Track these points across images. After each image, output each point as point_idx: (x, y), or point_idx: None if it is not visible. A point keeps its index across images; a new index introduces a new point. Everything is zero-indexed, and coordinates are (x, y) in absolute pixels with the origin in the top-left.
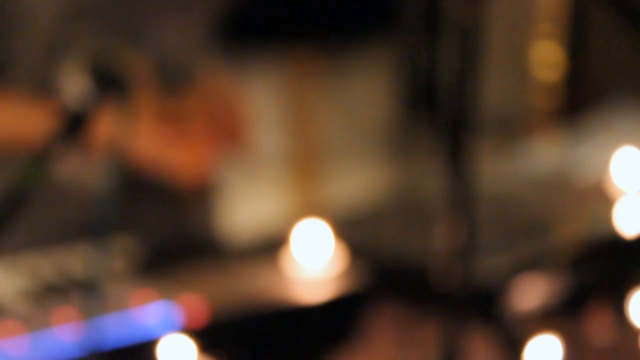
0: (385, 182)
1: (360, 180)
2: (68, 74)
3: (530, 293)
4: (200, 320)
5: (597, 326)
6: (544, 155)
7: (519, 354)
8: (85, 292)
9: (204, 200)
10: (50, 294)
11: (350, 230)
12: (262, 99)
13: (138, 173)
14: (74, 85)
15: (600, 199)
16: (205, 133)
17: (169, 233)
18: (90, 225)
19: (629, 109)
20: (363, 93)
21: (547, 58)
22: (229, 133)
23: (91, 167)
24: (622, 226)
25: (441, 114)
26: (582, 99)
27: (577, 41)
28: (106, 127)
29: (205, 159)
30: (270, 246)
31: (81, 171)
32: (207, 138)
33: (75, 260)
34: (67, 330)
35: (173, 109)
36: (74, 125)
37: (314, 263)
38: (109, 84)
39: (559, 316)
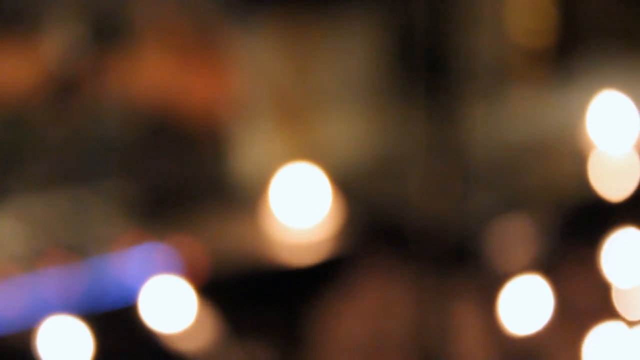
0: (375, 135)
1: (350, 132)
2: (62, 20)
3: (510, 239)
4: (200, 265)
5: (573, 274)
6: (528, 101)
7: (498, 300)
8: (82, 235)
9: (210, 145)
10: (48, 236)
11: (341, 180)
12: (257, 52)
13: (148, 115)
14: (69, 31)
15: (580, 144)
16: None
17: (172, 178)
18: (89, 169)
19: (616, 54)
20: (353, 45)
21: (534, 3)
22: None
23: (91, 111)
24: (600, 172)
25: (426, 62)
26: (569, 45)
27: None
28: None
29: (212, 98)
30: (262, 193)
31: (80, 115)
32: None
33: (73, 204)
34: (63, 271)
35: (185, 48)
36: (68, 76)
37: (305, 210)
38: (108, 29)
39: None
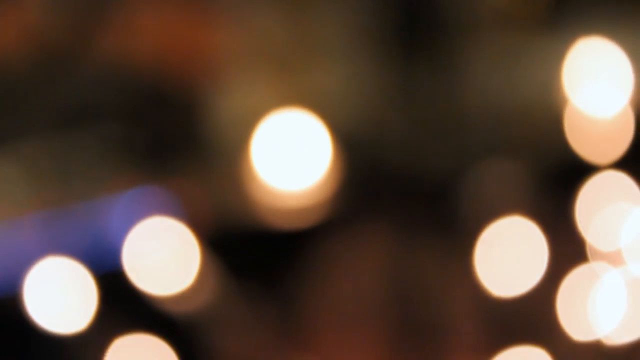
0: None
1: (342, 82)
2: None
3: (484, 183)
4: (199, 210)
5: (548, 218)
6: (516, 48)
7: (474, 244)
8: (79, 179)
9: (200, 96)
10: (46, 179)
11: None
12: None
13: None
14: None
15: (565, 96)
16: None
17: (169, 125)
18: (85, 114)
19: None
20: None
21: None
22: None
23: (86, 59)
24: (575, 120)
25: (418, 11)
26: None
27: None
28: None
29: (207, 49)
30: (257, 143)
31: (76, 64)
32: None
33: (70, 148)
34: (59, 215)
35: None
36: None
37: (300, 159)
38: None
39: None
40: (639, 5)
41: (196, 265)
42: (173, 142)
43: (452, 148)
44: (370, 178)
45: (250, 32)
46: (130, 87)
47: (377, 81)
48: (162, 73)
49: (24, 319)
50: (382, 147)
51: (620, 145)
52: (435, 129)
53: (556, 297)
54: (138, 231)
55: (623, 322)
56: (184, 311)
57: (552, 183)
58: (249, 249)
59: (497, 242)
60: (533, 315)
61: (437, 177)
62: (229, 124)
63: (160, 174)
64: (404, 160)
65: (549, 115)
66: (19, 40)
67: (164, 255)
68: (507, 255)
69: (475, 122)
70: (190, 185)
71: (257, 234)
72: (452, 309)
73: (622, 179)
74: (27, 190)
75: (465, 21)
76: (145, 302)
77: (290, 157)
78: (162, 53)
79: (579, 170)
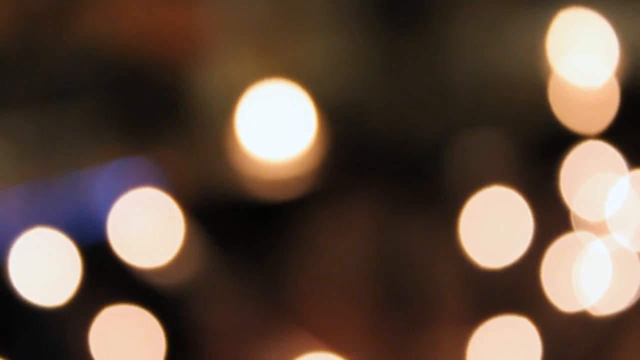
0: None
1: (327, 54)
2: None
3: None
4: (184, 181)
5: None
6: (500, 18)
7: (459, 215)
8: (63, 151)
9: (187, 66)
10: (31, 152)
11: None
12: None
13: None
14: None
15: (544, 59)
16: None
17: (153, 96)
18: (69, 86)
19: None
20: None
21: None
22: None
23: (70, 32)
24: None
25: None
26: None
27: None
28: None
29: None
30: (242, 114)
31: (60, 37)
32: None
33: (54, 120)
34: (46, 185)
35: None
36: None
37: (284, 130)
38: None
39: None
40: None
41: (181, 236)
42: (157, 114)
43: (437, 118)
44: (354, 149)
45: (233, 4)
46: (114, 60)
47: (361, 52)
48: (146, 45)
49: (8, 290)
50: (367, 118)
51: (606, 116)
52: (419, 99)
53: (541, 267)
54: (122, 203)
55: (609, 293)
56: (168, 283)
57: (537, 153)
58: (233, 220)
59: (482, 212)
60: (518, 285)
61: (421, 147)
62: (213, 95)
63: (144, 145)
64: (388, 131)
65: (533, 85)
66: (3, 14)
67: (149, 227)
68: (492, 225)
69: (460, 92)
70: (174, 157)
71: (242, 205)
72: (437, 279)
73: (607, 149)
74: (11, 162)
75: None
76: (129, 273)
77: (275, 128)
78: (146, 26)
79: (563, 140)
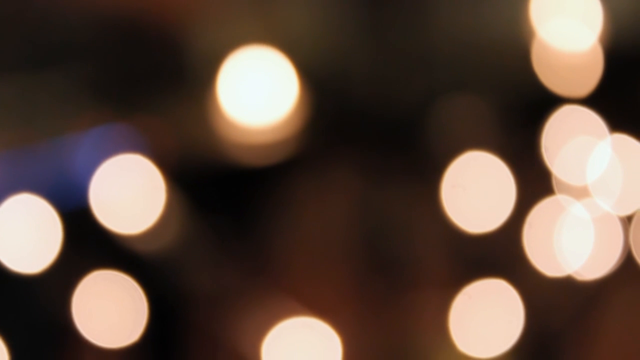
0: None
1: (309, 19)
2: None
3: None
4: (166, 147)
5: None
6: None
7: (442, 180)
8: (45, 116)
9: (169, 32)
10: (12, 117)
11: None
12: None
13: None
14: None
15: (527, 23)
16: None
17: (135, 62)
18: (51, 52)
19: None
20: None
21: None
22: None
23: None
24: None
25: None
26: None
27: None
28: None
29: None
30: (224, 79)
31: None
32: None
33: (37, 85)
34: (28, 151)
35: None
36: None
37: (267, 95)
38: None
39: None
40: None
41: (162, 202)
42: (139, 80)
43: (419, 83)
44: (336, 114)
45: None
46: (95, 26)
47: (343, 18)
48: (128, 12)
49: None
50: (348, 83)
51: (588, 80)
52: (401, 64)
53: (523, 231)
54: (104, 169)
55: (591, 257)
56: (150, 248)
57: (519, 117)
58: (215, 185)
59: (465, 177)
60: (500, 249)
61: (403, 112)
62: (196, 61)
63: (126, 111)
64: (370, 96)
65: (516, 49)
66: None
67: (130, 193)
68: (474, 190)
69: (442, 56)
70: (156, 123)
71: (224, 170)
72: (420, 243)
73: (589, 113)
74: None
75: None
76: (111, 239)
77: (257, 93)
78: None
79: (546, 104)
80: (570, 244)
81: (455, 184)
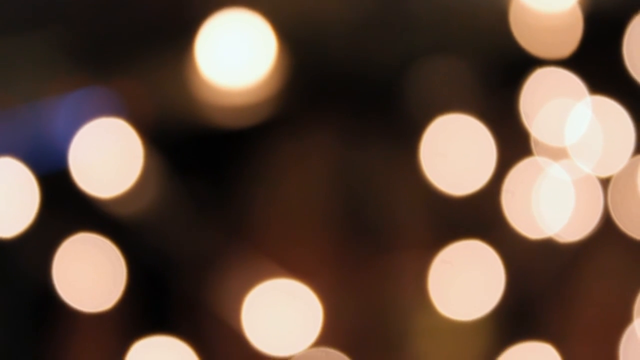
0: None
1: None
2: None
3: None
4: (144, 110)
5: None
6: None
7: (420, 142)
8: (23, 80)
9: None
10: None
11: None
12: None
13: None
14: None
15: None
16: None
17: (111, 26)
18: (29, 16)
19: None
20: None
21: None
22: None
23: None
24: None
25: None
26: None
27: None
28: None
29: None
30: (201, 41)
31: None
32: None
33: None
34: (5, 115)
35: None
36: None
37: (244, 57)
38: None
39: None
40: None
41: (140, 165)
42: (117, 43)
43: (397, 45)
44: (315, 76)
45: None
46: None
47: None
48: None
49: None
50: (327, 45)
51: (568, 41)
52: (380, 26)
53: (502, 194)
54: (82, 132)
55: (571, 220)
56: (129, 211)
57: (498, 79)
58: (193, 147)
59: (444, 140)
60: (480, 212)
61: (383, 75)
62: (173, 24)
63: (104, 74)
64: (349, 59)
65: (494, 11)
66: None
67: (108, 156)
68: (453, 152)
69: (421, 19)
70: (134, 86)
71: (202, 133)
72: (400, 206)
73: (568, 74)
74: None
75: None
76: (89, 203)
77: (235, 55)
78: None
79: (525, 66)
80: (550, 206)
81: (436, 152)
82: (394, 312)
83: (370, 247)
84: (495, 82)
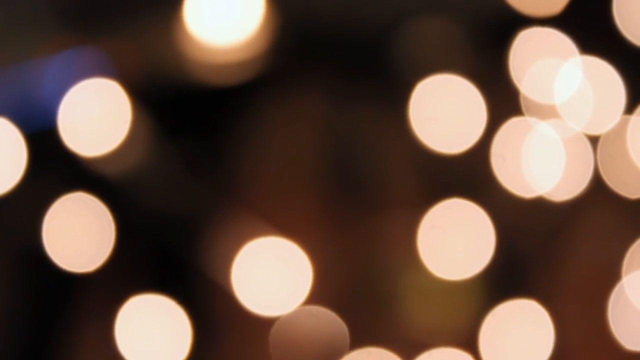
0: None
1: None
2: None
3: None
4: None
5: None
6: None
7: (410, 101)
8: (12, 40)
9: None
10: None
11: None
12: None
13: None
14: None
15: None
16: None
17: None
18: None
19: None
20: None
21: None
22: None
23: None
24: None
25: None
26: None
27: None
28: None
29: None
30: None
31: None
32: None
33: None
34: None
35: None
36: None
37: (232, 14)
38: None
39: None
40: None
41: (128, 124)
42: (104, 3)
43: (387, 5)
44: (303, 33)
45: None
46: None
47: None
48: None
49: None
50: (316, 3)
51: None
52: None
53: (492, 155)
54: (70, 91)
55: (562, 179)
56: (117, 170)
57: (487, 38)
58: (182, 106)
59: (432, 98)
60: (470, 171)
61: (371, 34)
62: None
63: (92, 34)
64: (337, 17)
65: None
66: None
67: (96, 115)
68: (443, 112)
69: None
70: (122, 44)
71: (191, 91)
72: (389, 165)
73: (558, 33)
74: None
75: None
76: (77, 161)
77: (223, 13)
78: None
79: (514, 25)
80: (540, 165)
81: (427, 116)
82: (383, 270)
83: (359, 206)
84: (484, 42)
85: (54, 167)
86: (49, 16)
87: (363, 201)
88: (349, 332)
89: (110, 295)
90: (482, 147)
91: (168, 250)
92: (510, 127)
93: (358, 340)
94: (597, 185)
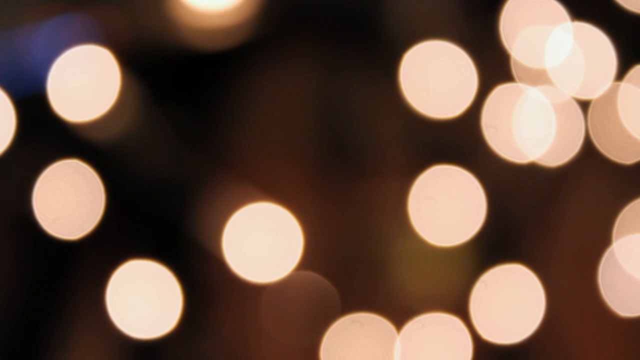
0: None
1: None
2: None
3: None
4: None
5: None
6: None
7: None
8: (2, 6)
9: None
10: None
11: None
12: None
13: None
14: None
15: None
16: None
17: None
18: None
19: None
20: None
21: None
22: None
23: None
24: None
25: None
26: None
27: None
28: None
29: None
30: None
31: None
32: None
33: None
34: None
35: None
36: None
37: None
38: None
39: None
40: None
41: (117, 89)
42: None
43: None
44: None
45: None
46: None
47: None
48: None
49: None
50: None
51: None
52: None
53: (482, 118)
54: (59, 58)
55: (553, 144)
56: (107, 136)
57: (478, 3)
58: (172, 72)
59: (423, 63)
60: (461, 136)
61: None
62: None
63: (81, 0)
64: None
65: None
66: None
67: (85, 81)
68: (433, 76)
69: None
70: (111, 9)
71: (180, 56)
72: (380, 130)
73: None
74: None
75: None
76: (66, 127)
77: None
78: None
79: None
80: (531, 130)
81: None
82: (374, 237)
83: (351, 172)
84: (474, 7)
85: (43, 133)
86: None
87: (354, 168)
88: (340, 298)
89: (101, 261)
90: (473, 113)
91: (158, 217)
92: (501, 92)
93: (349, 306)
94: (588, 150)
